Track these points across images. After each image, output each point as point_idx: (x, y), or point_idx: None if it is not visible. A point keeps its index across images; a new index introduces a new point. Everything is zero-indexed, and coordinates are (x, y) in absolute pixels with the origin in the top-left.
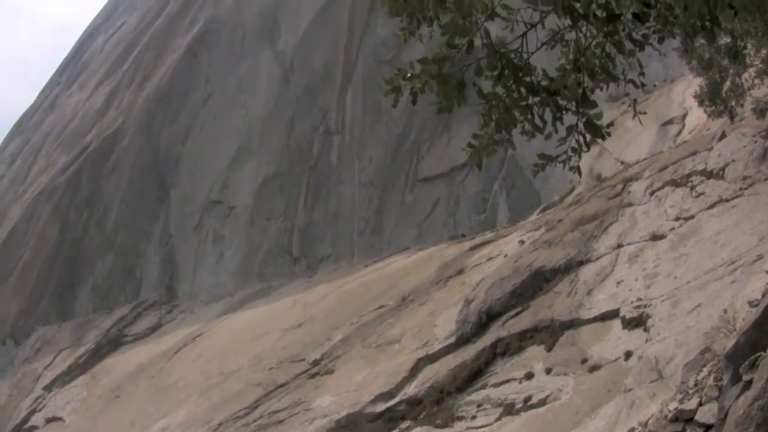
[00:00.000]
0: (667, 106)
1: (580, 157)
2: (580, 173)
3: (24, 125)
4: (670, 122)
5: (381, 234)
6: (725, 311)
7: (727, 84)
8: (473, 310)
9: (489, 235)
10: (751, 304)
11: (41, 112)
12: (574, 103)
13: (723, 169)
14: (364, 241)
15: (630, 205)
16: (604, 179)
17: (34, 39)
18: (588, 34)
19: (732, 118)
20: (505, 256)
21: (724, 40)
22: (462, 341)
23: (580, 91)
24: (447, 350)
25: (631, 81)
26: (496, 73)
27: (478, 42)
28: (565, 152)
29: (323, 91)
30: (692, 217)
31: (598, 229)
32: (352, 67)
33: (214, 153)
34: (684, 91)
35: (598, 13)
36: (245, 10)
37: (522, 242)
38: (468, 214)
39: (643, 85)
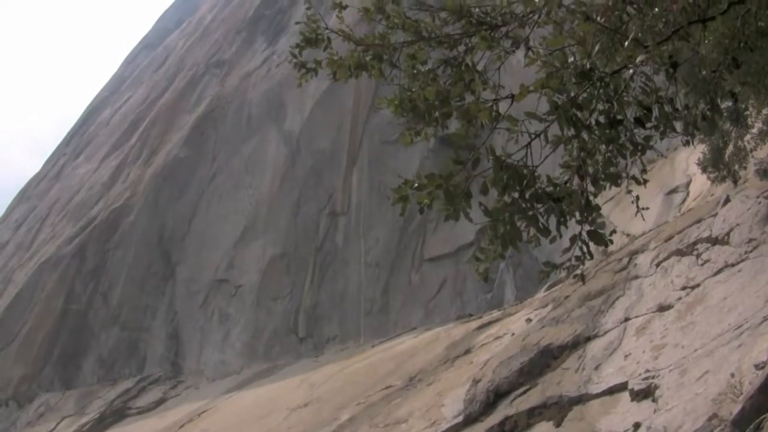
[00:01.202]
0: (670, 174)
1: (584, 264)
2: (584, 280)
3: (29, 192)
4: (674, 191)
5: (388, 314)
6: (732, 375)
7: (730, 148)
8: (481, 389)
9: (496, 314)
10: (757, 367)
11: (47, 181)
12: (578, 211)
13: (728, 234)
14: (370, 321)
15: (636, 277)
16: (610, 253)
17: (41, 108)
18: (590, 140)
19: (735, 181)
20: (513, 334)
21: (726, 103)
22: (470, 420)
23: (583, 200)
24: (455, 429)
25: (633, 178)
26: (501, 185)
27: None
28: (570, 260)
29: (329, 172)
30: (698, 285)
31: (605, 304)
32: (357, 147)
33: (220, 231)
34: (687, 158)
35: (601, 119)
36: (251, 90)
37: (529, 320)
38: (475, 293)
39: (645, 181)
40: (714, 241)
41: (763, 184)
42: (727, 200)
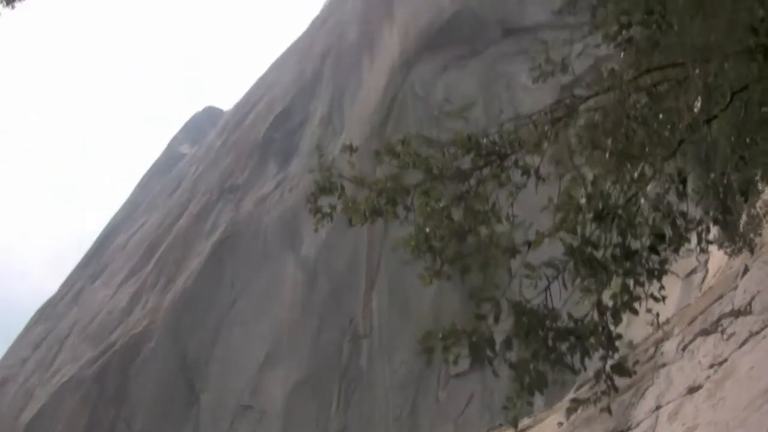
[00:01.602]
0: (687, 255)
1: (610, 397)
2: (610, 412)
3: (48, 313)
4: (693, 272)
5: None
6: None
7: (744, 218)
8: None
9: (527, 421)
10: None
11: (65, 303)
12: (600, 347)
13: (750, 303)
14: None
15: (664, 365)
16: (636, 346)
17: (57, 227)
18: (607, 275)
19: (752, 250)
20: None
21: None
22: None
23: (605, 336)
24: None
25: (653, 296)
26: (523, 332)
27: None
28: (596, 394)
29: (348, 296)
30: (726, 360)
31: (635, 397)
32: (375, 269)
33: (242, 357)
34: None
35: (616, 252)
36: (265, 215)
37: (560, 424)
38: (504, 404)
39: (663, 297)
40: (737, 313)
41: None
42: (746, 270)
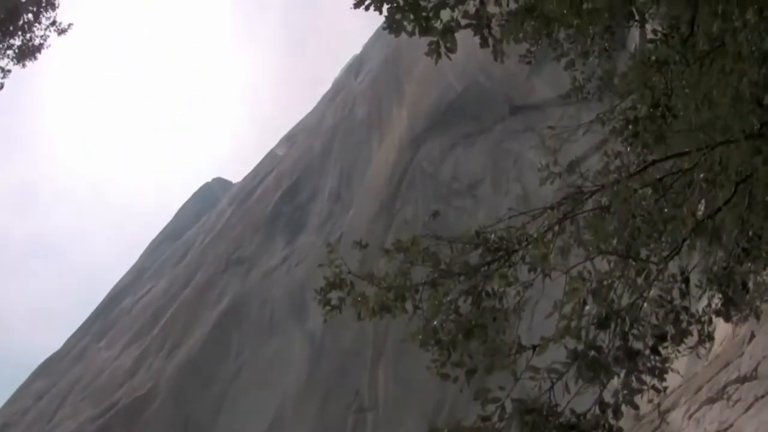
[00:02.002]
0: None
1: None
2: None
3: (51, 368)
4: (699, 342)
5: None
6: None
7: (750, 286)
8: None
9: None
10: None
11: (69, 360)
12: None
13: (755, 369)
14: None
15: None
16: (641, 417)
17: (61, 284)
18: (608, 376)
19: (758, 317)
20: None
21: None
22: None
23: None
24: None
25: (654, 387)
26: (527, 430)
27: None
28: None
29: (354, 368)
30: (731, 425)
31: None
32: (382, 343)
33: (246, 427)
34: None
35: (619, 354)
36: (273, 287)
37: None
38: None
39: (665, 388)
40: (743, 380)
41: None
42: (753, 337)
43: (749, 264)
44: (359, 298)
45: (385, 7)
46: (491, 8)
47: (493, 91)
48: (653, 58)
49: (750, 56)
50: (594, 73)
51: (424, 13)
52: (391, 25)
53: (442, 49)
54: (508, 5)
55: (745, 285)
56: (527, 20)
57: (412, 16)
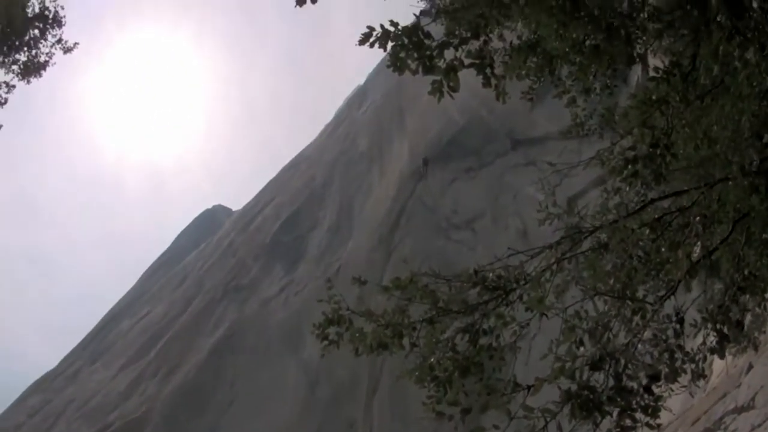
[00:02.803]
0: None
1: None
2: None
3: (46, 385)
4: (696, 374)
5: None
6: None
7: (748, 318)
8: None
9: None
10: None
11: (64, 379)
12: None
13: (753, 399)
14: None
15: None
16: None
17: (60, 298)
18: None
19: (756, 348)
20: None
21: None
22: None
23: None
24: None
25: (648, 425)
26: None
27: None
28: None
29: (349, 401)
30: None
31: None
32: (378, 376)
33: None
34: (705, 340)
35: (611, 393)
36: (270, 317)
37: None
38: None
39: (659, 425)
40: (740, 410)
41: None
42: (750, 367)
43: (747, 297)
44: (357, 334)
45: (390, 45)
46: (495, 43)
47: (494, 125)
48: (653, 97)
49: (750, 95)
50: (595, 109)
51: (427, 52)
52: (395, 64)
53: (445, 88)
54: (510, 44)
55: (740, 323)
56: (530, 57)
57: (416, 55)
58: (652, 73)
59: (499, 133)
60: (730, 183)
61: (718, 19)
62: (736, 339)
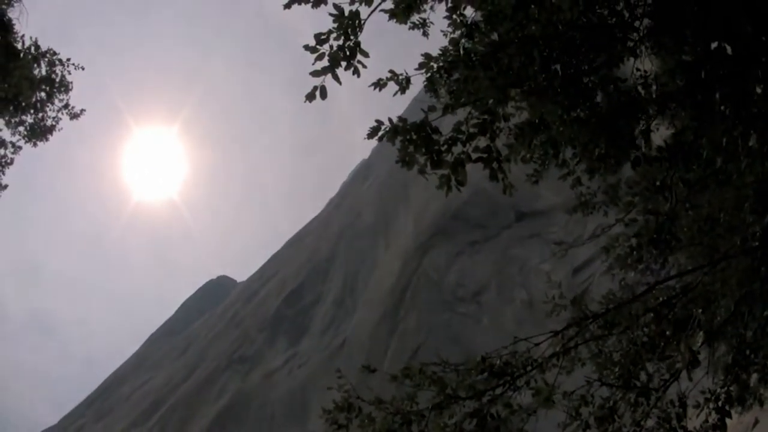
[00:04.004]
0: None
1: None
2: None
3: None
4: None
5: None
6: None
7: (754, 377)
8: None
9: None
10: None
11: None
12: None
13: None
14: None
15: None
16: None
17: (61, 362)
18: None
19: (762, 403)
20: None
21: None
22: None
23: None
24: None
25: None
26: None
27: None
28: None
29: None
30: None
31: None
32: None
33: None
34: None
35: None
36: (273, 389)
37: None
38: None
39: None
40: None
41: None
42: (756, 422)
43: (748, 377)
44: (366, 421)
45: (398, 139)
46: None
47: (499, 198)
48: (657, 183)
49: (752, 183)
50: (599, 187)
51: (435, 147)
52: (404, 159)
53: (453, 182)
54: (515, 126)
55: (742, 400)
56: (534, 138)
57: (424, 150)
58: (655, 153)
59: (504, 205)
60: (733, 263)
61: (722, 108)
62: (740, 403)
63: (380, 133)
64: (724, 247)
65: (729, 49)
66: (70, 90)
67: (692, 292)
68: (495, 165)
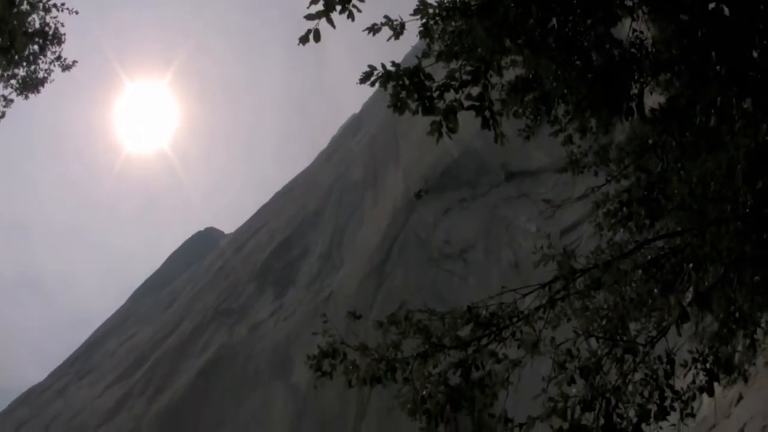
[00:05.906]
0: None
1: None
2: None
3: (32, 400)
4: (682, 417)
5: None
6: None
7: (739, 350)
8: None
9: None
10: None
11: (51, 393)
12: None
13: (742, 430)
14: None
15: None
16: None
17: (48, 319)
18: None
19: (746, 379)
20: None
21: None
22: None
23: None
24: None
25: None
26: None
27: None
28: None
29: (338, 426)
30: None
31: None
32: (366, 402)
33: None
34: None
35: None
36: (258, 342)
37: None
38: None
39: None
40: None
41: None
42: (740, 398)
43: (737, 337)
44: (350, 367)
45: (390, 84)
46: (493, 78)
47: (489, 156)
48: (650, 141)
49: (746, 146)
50: (591, 147)
51: (428, 94)
52: (396, 104)
53: (444, 129)
54: (508, 82)
55: (730, 362)
56: (527, 95)
57: (416, 96)
58: (648, 114)
59: (494, 164)
60: (723, 227)
61: (718, 68)
62: (727, 372)
63: (372, 78)
64: (714, 213)
65: (726, 10)
66: (63, 42)
67: (681, 254)
68: (487, 113)
